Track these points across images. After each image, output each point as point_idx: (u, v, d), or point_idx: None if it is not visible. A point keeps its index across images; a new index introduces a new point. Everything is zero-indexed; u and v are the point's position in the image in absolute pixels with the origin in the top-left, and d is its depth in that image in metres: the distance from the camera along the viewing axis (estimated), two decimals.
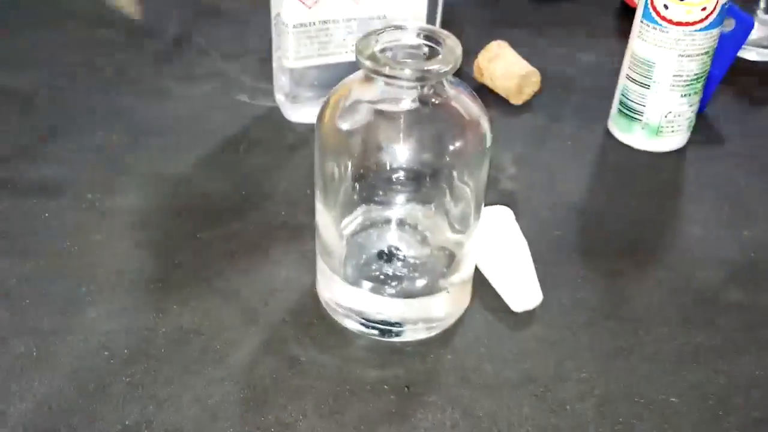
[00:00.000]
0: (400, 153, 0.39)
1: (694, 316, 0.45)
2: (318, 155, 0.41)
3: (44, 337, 0.42)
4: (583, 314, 0.45)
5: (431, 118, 0.40)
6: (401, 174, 0.40)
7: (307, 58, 0.56)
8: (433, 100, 0.39)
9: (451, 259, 0.43)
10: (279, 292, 0.45)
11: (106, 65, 0.65)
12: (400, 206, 0.43)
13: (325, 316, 0.44)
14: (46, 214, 0.50)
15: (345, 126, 0.40)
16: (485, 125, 0.40)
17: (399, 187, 0.41)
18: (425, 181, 0.41)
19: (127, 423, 0.38)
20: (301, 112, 0.59)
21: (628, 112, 0.58)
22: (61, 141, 0.56)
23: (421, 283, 0.43)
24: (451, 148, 0.40)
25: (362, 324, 0.43)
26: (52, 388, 0.39)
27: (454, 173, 0.41)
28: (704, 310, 0.45)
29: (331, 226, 0.42)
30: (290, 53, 0.55)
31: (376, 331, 0.43)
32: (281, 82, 0.58)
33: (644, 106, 0.57)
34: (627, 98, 0.57)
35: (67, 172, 0.53)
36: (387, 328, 0.42)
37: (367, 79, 0.38)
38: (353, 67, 0.39)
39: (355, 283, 0.42)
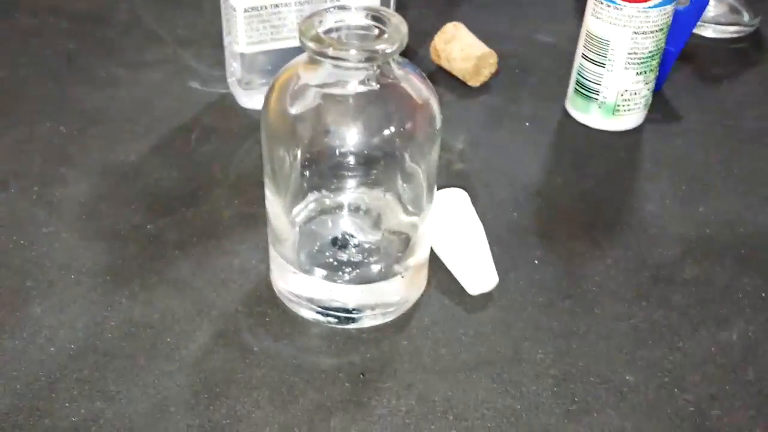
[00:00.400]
0: (350, 137, 0.39)
1: (650, 294, 0.45)
2: (265, 142, 0.40)
3: None
4: (540, 295, 0.44)
5: (379, 100, 0.39)
6: (351, 158, 0.39)
7: (258, 43, 0.55)
8: (381, 81, 0.38)
9: (405, 243, 0.43)
10: (232, 282, 0.44)
11: (52, 54, 0.63)
12: (351, 191, 0.43)
13: (279, 306, 0.43)
14: None
15: (292, 111, 0.39)
16: (435, 106, 0.39)
17: (350, 172, 0.40)
18: (376, 165, 0.40)
19: (74, 419, 0.37)
20: (255, 99, 0.58)
21: (584, 92, 0.57)
22: (7, 132, 0.55)
23: (375, 268, 0.42)
24: (401, 130, 0.39)
25: (317, 312, 0.42)
26: None
27: (405, 155, 0.40)
28: (661, 288, 0.45)
29: (282, 214, 0.42)
30: (240, 38, 0.54)
31: (331, 319, 0.42)
32: (233, 67, 0.57)
33: (600, 85, 0.56)
34: (583, 77, 0.57)
35: (14, 165, 0.52)
36: (343, 315, 0.42)
37: (312, 61, 0.37)
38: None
39: (308, 271, 0.42)
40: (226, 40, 0.57)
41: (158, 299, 0.43)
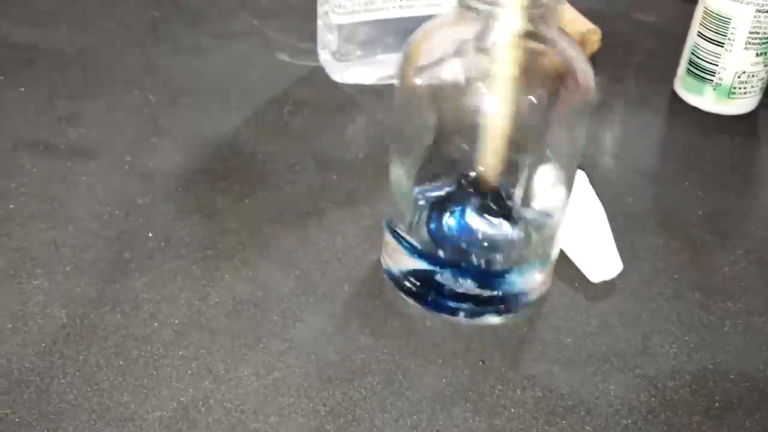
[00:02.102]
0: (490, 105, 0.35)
1: None
2: (398, 111, 0.37)
3: (87, 306, 0.38)
4: (667, 285, 0.41)
5: (532, 64, 0.35)
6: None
7: (355, 13, 0.52)
8: (535, 39, 0.34)
9: (537, 233, 0.39)
10: (337, 261, 0.42)
11: (137, 22, 0.61)
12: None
13: (387, 286, 0.41)
14: (84, 177, 0.46)
15: (427, 79, 0.36)
16: (590, 75, 0.35)
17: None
18: (517, 141, 0.37)
19: (182, 400, 0.35)
20: (348, 72, 0.55)
21: (698, 72, 0.54)
22: (95, 101, 0.53)
23: (501, 257, 0.39)
24: (551, 99, 0.35)
25: (431, 300, 0.39)
26: (98, 362, 0.36)
27: (551, 130, 0.36)
28: None
29: (407, 189, 0.39)
30: (340, 8, 0.52)
31: (448, 315, 0.39)
32: (327, 39, 0.55)
33: (716, 65, 0.53)
34: (698, 57, 0.54)
35: (104, 134, 0.50)
36: (467, 307, 0.39)
37: (462, 16, 0.34)
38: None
39: (428, 254, 0.39)
40: (321, 11, 0.55)
41: (261, 276, 0.41)
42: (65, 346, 0.37)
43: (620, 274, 0.41)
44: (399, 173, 0.38)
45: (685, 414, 0.35)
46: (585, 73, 0.35)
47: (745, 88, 0.53)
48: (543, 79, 0.36)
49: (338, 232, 0.44)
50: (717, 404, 0.36)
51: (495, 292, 0.39)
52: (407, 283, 0.40)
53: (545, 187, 0.38)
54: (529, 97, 0.35)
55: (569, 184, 0.38)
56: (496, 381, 0.36)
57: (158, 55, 0.57)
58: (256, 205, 0.45)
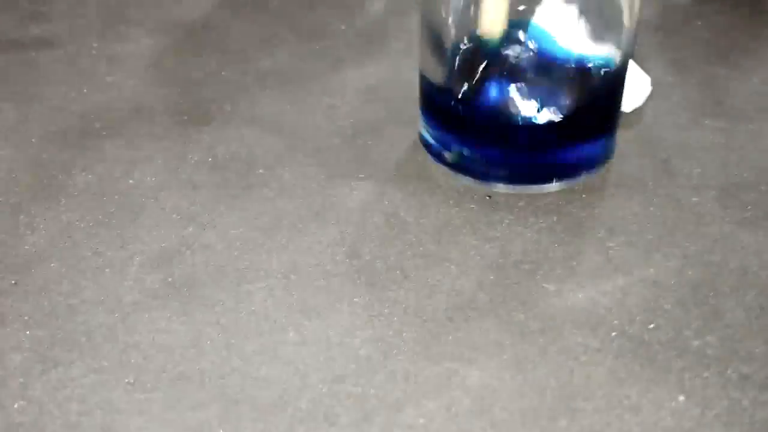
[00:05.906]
0: None
1: None
2: None
3: (55, 170, 0.35)
4: (682, 116, 0.38)
5: None
6: None
7: None
8: None
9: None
10: (325, 119, 0.39)
11: None
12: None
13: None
14: (49, 64, 0.43)
15: None
16: None
17: None
18: None
19: (164, 245, 0.31)
20: None
21: None
22: (58, 1, 0.50)
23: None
24: None
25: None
26: (75, 216, 0.33)
27: None
28: None
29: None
30: None
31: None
32: None
33: None
34: None
35: (68, 27, 0.47)
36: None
37: None
38: None
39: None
40: None
41: (244, 136, 0.38)
42: (33, 206, 0.33)
43: (634, 110, 0.38)
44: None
45: (714, 224, 0.32)
46: None
47: None
48: None
49: (324, 94, 0.41)
50: (748, 213, 0.33)
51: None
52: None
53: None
54: None
55: (629, 38, 0.34)
56: (506, 213, 0.33)
57: None
58: (234, 75, 0.42)
